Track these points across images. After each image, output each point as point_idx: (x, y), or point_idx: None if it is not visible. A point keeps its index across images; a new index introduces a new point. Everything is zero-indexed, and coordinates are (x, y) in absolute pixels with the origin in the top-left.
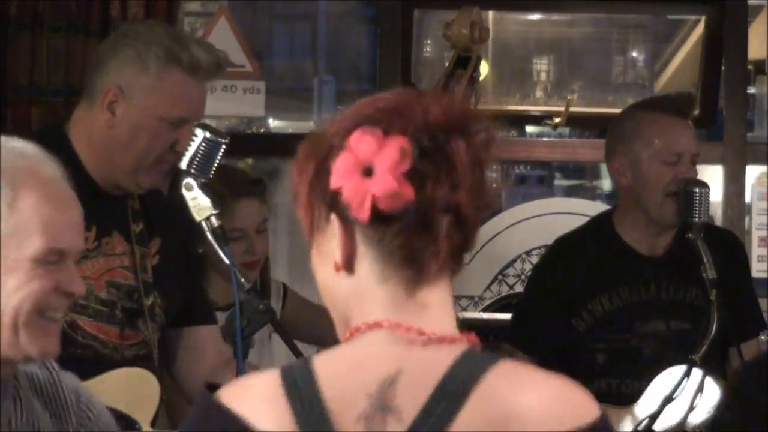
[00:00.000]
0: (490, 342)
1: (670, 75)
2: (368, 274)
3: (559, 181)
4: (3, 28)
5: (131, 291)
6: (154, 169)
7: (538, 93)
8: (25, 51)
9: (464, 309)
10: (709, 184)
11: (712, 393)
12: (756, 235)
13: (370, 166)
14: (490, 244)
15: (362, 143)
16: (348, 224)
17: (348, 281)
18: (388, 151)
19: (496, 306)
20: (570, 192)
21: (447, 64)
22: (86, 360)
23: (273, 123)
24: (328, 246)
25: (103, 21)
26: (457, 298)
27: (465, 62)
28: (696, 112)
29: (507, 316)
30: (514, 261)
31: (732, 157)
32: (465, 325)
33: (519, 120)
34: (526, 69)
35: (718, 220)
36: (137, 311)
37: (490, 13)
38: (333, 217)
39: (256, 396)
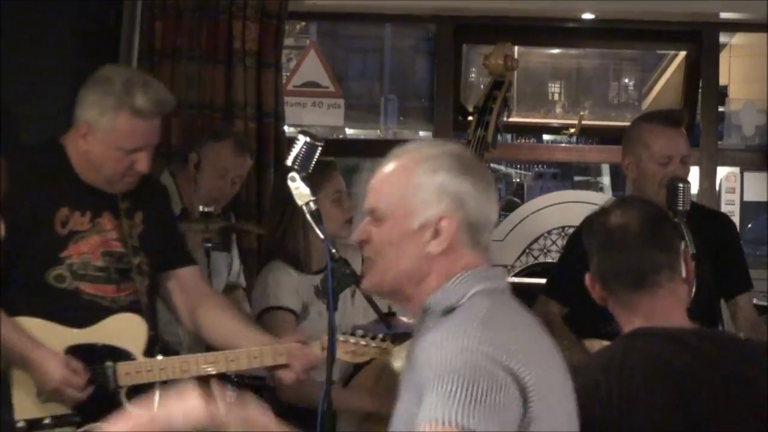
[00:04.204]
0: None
1: (654, 96)
2: None
3: (570, 177)
4: (150, 57)
5: (122, 256)
6: (124, 180)
7: (557, 109)
8: (166, 75)
9: None
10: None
11: None
12: None
13: None
14: (519, 225)
15: None
16: None
17: None
18: None
19: (525, 272)
20: (578, 186)
21: (487, 86)
22: (91, 311)
23: (349, 131)
24: None
25: (227, 52)
26: (494, 267)
27: (500, 85)
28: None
29: (533, 280)
30: (537, 238)
31: (706, 160)
32: None
33: (540, 130)
34: (544, 91)
35: None
36: (128, 270)
37: (516, 48)
38: None
39: None
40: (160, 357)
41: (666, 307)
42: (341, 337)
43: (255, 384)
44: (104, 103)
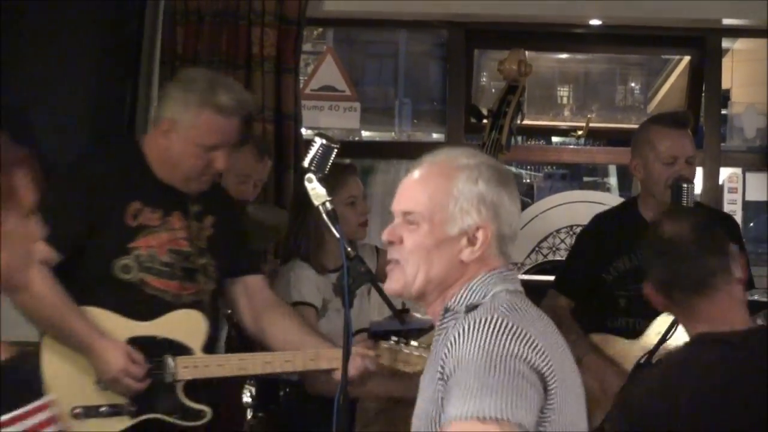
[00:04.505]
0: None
1: (660, 100)
2: None
3: (578, 178)
4: (172, 62)
5: (188, 255)
6: (201, 179)
7: (566, 112)
8: None
9: None
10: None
11: None
12: None
13: None
14: (529, 224)
15: None
16: None
17: None
18: None
19: (535, 270)
20: (586, 186)
21: (501, 91)
22: (153, 305)
23: (365, 133)
24: None
25: (246, 57)
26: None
27: (514, 90)
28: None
29: (543, 277)
30: (546, 237)
31: (709, 161)
32: None
33: (549, 132)
34: (553, 94)
35: None
36: (193, 270)
37: (527, 52)
38: None
39: None
40: None
41: (725, 310)
42: (396, 346)
43: (274, 377)
44: (188, 99)
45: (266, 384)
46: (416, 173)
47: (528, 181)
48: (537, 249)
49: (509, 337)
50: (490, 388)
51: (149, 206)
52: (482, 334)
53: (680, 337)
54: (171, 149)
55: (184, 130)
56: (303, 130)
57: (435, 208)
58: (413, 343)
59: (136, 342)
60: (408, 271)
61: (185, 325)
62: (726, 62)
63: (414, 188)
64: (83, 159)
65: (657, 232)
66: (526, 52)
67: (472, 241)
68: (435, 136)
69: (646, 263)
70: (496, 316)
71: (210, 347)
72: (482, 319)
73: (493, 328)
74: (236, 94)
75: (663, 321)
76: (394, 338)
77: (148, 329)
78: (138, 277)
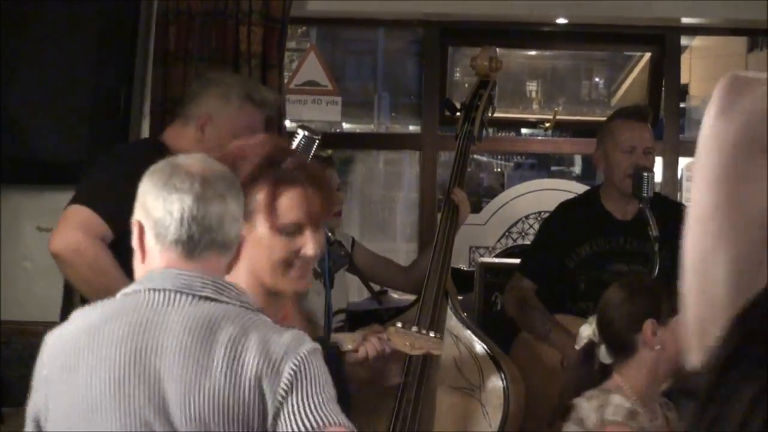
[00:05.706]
0: (501, 278)
1: (622, 94)
2: None
3: (546, 167)
4: (164, 59)
5: None
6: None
7: (534, 105)
8: (179, 75)
9: (482, 255)
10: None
11: None
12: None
13: None
14: (500, 210)
15: None
16: None
17: None
18: None
19: (505, 253)
20: (553, 175)
21: (473, 85)
22: None
23: (346, 125)
24: None
25: (234, 54)
26: (476, 248)
27: (486, 84)
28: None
29: (512, 260)
30: (516, 222)
31: (669, 151)
32: (483, 267)
33: (518, 124)
34: (523, 89)
35: None
36: None
37: (498, 49)
38: None
39: None
40: None
41: None
42: (402, 329)
43: None
44: (229, 94)
45: None
46: None
47: (499, 170)
48: (507, 234)
49: None
50: None
51: None
52: None
53: None
54: (206, 142)
55: (223, 123)
56: (287, 123)
57: None
58: (414, 328)
59: None
60: None
61: None
62: (685, 58)
63: None
64: (117, 154)
65: None
66: (497, 49)
67: None
68: (411, 128)
69: None
70: None
71: None
72: None
73: None
74: (269, 92)
75: None
76: (399, 323)
77: None
78: None
